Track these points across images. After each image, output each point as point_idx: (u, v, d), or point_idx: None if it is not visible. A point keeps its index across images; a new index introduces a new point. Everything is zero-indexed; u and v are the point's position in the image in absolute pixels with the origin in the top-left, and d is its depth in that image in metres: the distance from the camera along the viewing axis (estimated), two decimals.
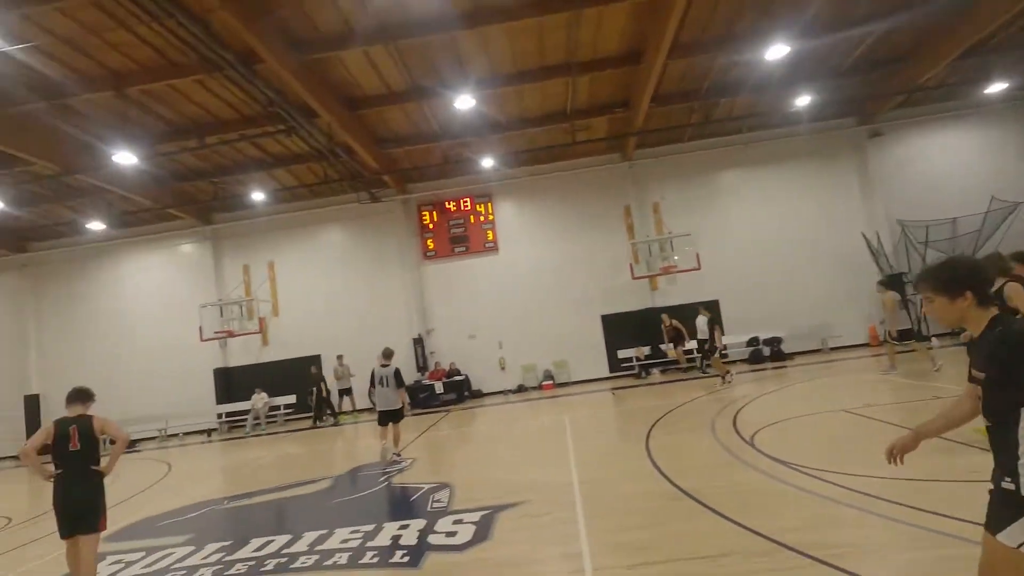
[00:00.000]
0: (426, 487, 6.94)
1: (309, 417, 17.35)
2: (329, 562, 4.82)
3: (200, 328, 17.05)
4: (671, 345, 15.73)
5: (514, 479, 6.86)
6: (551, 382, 17.08)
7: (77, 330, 19.22)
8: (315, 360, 17.78)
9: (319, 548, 5.18)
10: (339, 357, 16.36)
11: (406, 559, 4.66)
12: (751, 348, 16.30)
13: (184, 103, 12.46)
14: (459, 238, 18.16)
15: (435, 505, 6.10)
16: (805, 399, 10.00)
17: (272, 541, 5.56)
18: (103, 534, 4.68)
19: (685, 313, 15.25)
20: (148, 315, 18.97)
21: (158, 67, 10.99)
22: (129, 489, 9.45)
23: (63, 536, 4.49)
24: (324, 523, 5.96)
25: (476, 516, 5.51)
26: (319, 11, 10.06)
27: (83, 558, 4.43)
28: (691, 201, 17.71)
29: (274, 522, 6.48)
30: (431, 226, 18.24)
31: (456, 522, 5.41)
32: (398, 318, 17.96)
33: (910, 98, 16.52)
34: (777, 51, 11.84)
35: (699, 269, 15.87)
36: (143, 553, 5.77)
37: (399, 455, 8.92)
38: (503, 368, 17.74)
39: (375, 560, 4.73)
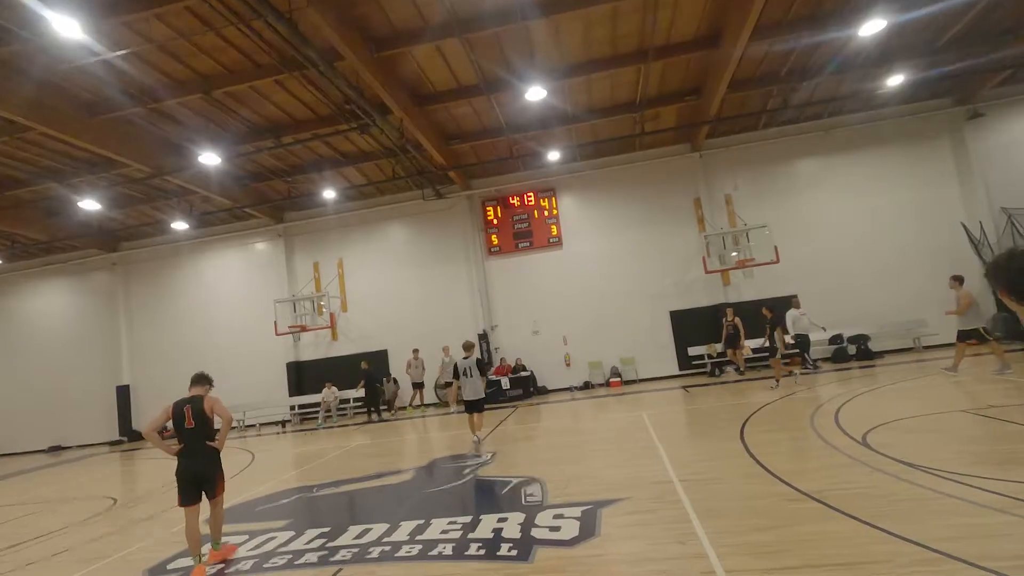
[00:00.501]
0: (515, 481, 6.79)
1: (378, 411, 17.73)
2: (434, 552, 4.73)
3: (275, 323, 17.68)
4: (724, 346, 15.05)
5: (607, 475, 6.62)
6: (618, 379, 16.68)
7: (162, 325, 20.36)
8: (383, 355, 18.12)
9: (420, 538, 5.11)
10: (415, 351, 16.55)
11: (514, 552, 4.50)
12: (834, 346, 15.35)
13: (264, 104, 12.89)
14: (523, 233, 18.04)
15: (529, 499, 5.94)
16: (912, 399, 9.22)
17: (370, 529, 5.55)
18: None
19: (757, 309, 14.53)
20: (226, 311, 19.87)
21: (242, 69, 11.39)
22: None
23: (182, 504, 5.09)
24: (418, 513, 5.92)
25: (576, 511, 5.31)
26: (395, 5, 10.13)
27: (213, 518, 5.25)
28: (765, 192, 16.89)
29: (368, 510, 6.49)
30: (495, 222, 18.20)
31: (557, 516, 5.22)
32: (463, 314, 18.03)
33: (1016, 74, 15.11)
34: (872, 26, 11.02)
35: (777, 262, 15.09)
36: (247, 536, 5.89)
37: (479, 440, 9.35)
38: (568, 365, 17.48)
39: (481, 552, 4.60)
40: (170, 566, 5.31)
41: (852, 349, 15.15)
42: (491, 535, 4.96)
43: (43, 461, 17.59)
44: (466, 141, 15.79)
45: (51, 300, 21.37)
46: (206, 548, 5.30)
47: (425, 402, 17.03)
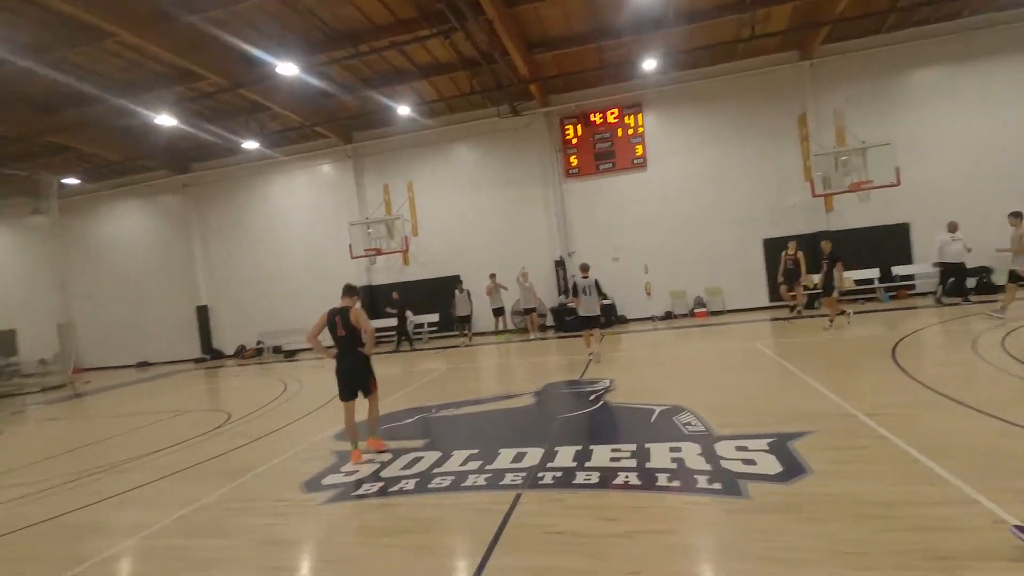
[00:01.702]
0: (657, 409, 6.32)
1: (450, 336, 17.63)
2: (618, 481, 4.32)
3: (350, 246, 17.46)
4: (781, 280, 13.66)
5: (762, 406, 6.06)
6: (704, 310, 15.92)
7: (236, 248, 20.50)
8: (454, 281, 17.73)
9: (589, 465, 4.72)
10: (492, 276, 16.09)
11: (717, 486, 4.03)
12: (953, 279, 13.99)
13: (344, 5, 11.90)
14: (604, 154, 16.87)
15: (689, 429, 5.44)
16: None
17: (525, 454, 5.20)
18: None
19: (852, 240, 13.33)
20: (296, 233, 19.78)
21: None
22: (323, 394, 9.79)
23: (341, 399, 5.78)
24: (569, 439, 5.55)
25: (760, 444, 4.78)
26: None
27: (370, 412, 5.92)
28: (881, 107, 15.05)
29: (507, 434, 6.16)
30: (574, 141, 17.04)
31: (740, 448, 4.71)
32: (539, 238, 17.36)
33: None
34: None
35: (898, 185, 13.61)
36: (390, 455, 5.68)
37: (594, 356, 9.92)
38: (649, 294, 16.77)
39: (676, 484, 4.15)
40: (324, 481, 5.14)
41: (972, 282, 13.82)
42: (674, 466, 4.50)
43: (136, 376, 18.46)
44: (550, 50, 14.43)
45: (128, 222, 21.73)
46: (363, 444, 5.78)
47: (508, 327, 16.79)
